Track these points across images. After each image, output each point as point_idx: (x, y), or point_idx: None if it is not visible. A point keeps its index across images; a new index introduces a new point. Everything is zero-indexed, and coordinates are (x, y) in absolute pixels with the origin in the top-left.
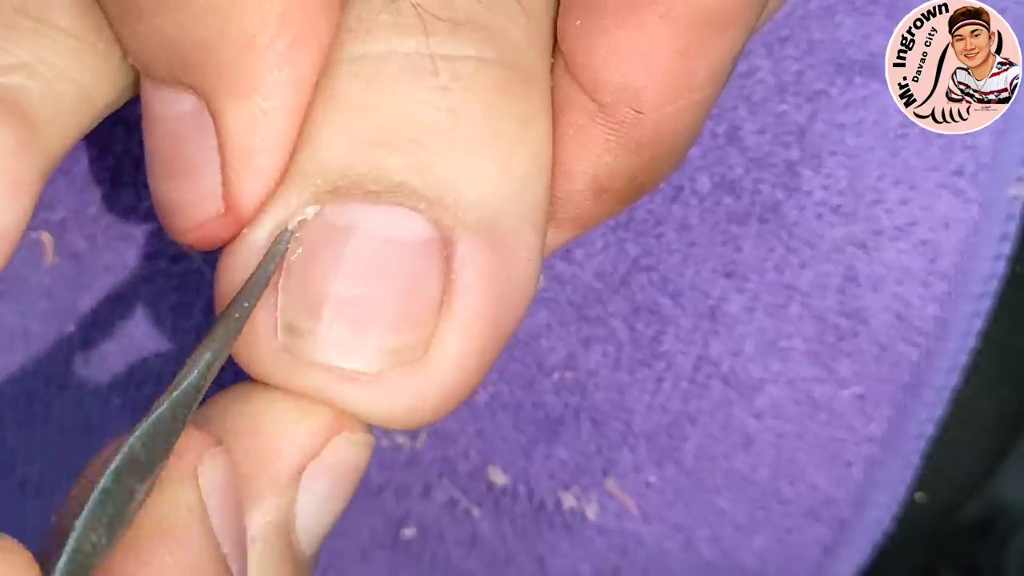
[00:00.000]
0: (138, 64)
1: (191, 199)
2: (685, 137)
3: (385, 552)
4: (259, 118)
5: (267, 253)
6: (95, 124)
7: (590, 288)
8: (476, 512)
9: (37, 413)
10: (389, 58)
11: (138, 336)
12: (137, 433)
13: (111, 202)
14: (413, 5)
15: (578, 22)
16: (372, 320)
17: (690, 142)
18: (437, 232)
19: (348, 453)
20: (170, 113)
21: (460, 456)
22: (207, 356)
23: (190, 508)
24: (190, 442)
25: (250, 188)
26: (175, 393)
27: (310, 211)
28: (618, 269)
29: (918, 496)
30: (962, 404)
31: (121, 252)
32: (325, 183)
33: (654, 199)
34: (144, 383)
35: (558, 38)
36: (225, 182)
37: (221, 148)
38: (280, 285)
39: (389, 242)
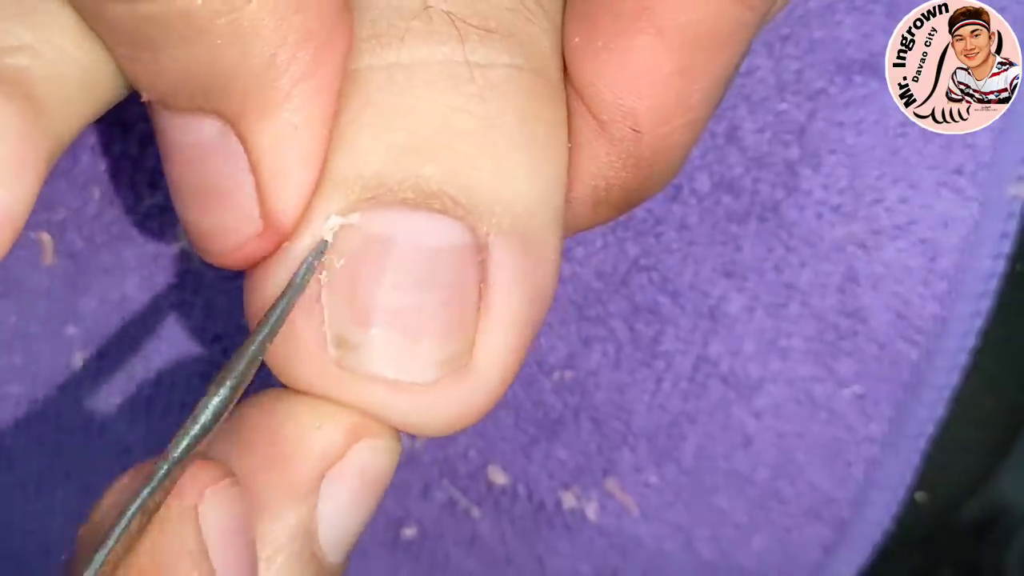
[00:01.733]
0: (152, 97)
1: (226, 223)
2: (682, 153)
3: (385, 551)
4: (289, 133)
5: (301, 264)
6: (101, 111)
7: (590, 287)
8: (476, 512)
9: (36, 413)
10: (423, 65)
11: (137, 336)
12: (168, 461)
13: (110, 202)
14: (446, 13)
15: (576, 39)
16: (424, 330)
17: (685, 157)
18: (473, 238)
19: (371, 459)
20: (192, 140)
21: (460, 456)
22: (240, 368)
23: (190, 552)
24: (193, 479)
25: (288, 203)
26: (205, 415)
27: (352, 218)
28: (618, 269)
29: (919, 496)
30: (963, 403)
31: (120, 252)
32: (364, 191)
33: (654, 198)
34: (143, 383)
35: (564, 53)
36: (262, 201)
37: (254, 168)
38: (325, 298)
39: (431, 250)
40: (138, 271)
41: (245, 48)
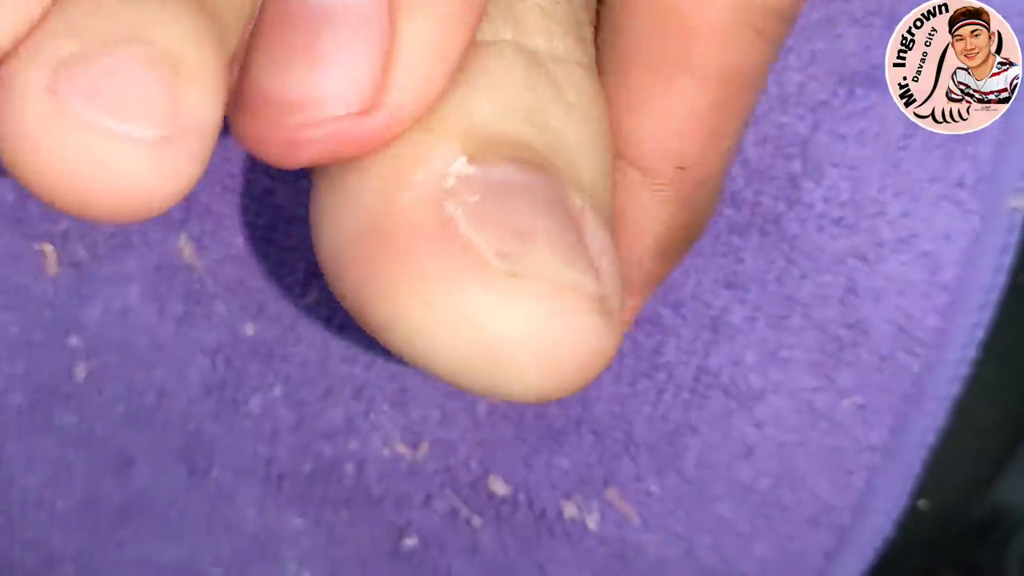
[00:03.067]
0: None
1: (326, 87)
2: (720, 181)
3: (385, 562)
4: (441, 20)
5: None
6: (249, 21)
7: None
8: (477, 521)
9: (38, 423)
10: (524, 47)
11: (140, 346)
12: None
13: None
14: (539, 7)
15: (611, 78)
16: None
17: (723, 183)
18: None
19: None
20: None
21: (461, 466)
22: None
23: None
24: None
25: (413, 86)
26: None
27: (466, 167)
28: None
29: (921, 503)
30: (964, 412)
31: (123, 262)
32: (479, 143)
33: None
34: (146, 393)
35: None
36: (387, 69)
37: (392, 30)
38: (470, 229)
39: (546, 198)
40: (141, 281)
41: None
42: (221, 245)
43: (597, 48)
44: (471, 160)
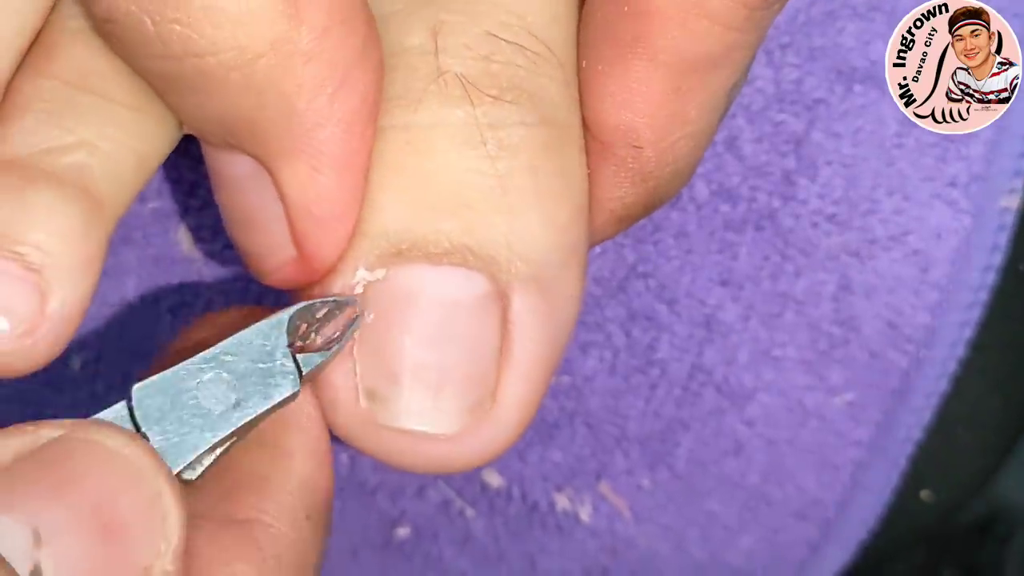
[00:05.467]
0: (193, 132)
1: (265, 247)
2: (687, 162)
3: (377, 552)
4: (312, 176)
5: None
6: (150, 178)
7: (588, 293)
8: (470, 512)
9: (33, 416)
10: (440, 127)
11: (137, 339)
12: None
13: None
14: (458, 77)
15: (583, 63)
16: (447, 383)
17: (694, 164)
18: (494, 287)
19: None
20: (232, 173)
21: None
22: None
23: None
24: None
25: (317, 237)
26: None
27: (379, 273)
28: (616, 275)
29: (924, 495)
30: (967, 403)
31: (121, 255)
32: (389, 246)
33: None
34: None
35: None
36: (292, 232)
37: (283, 204)
38: (356, 352)
39: (453, 304)
40: (138, 273)
41: (260, 99)
42: (219, 238)
43: (579, 29)
44: (382, 264)
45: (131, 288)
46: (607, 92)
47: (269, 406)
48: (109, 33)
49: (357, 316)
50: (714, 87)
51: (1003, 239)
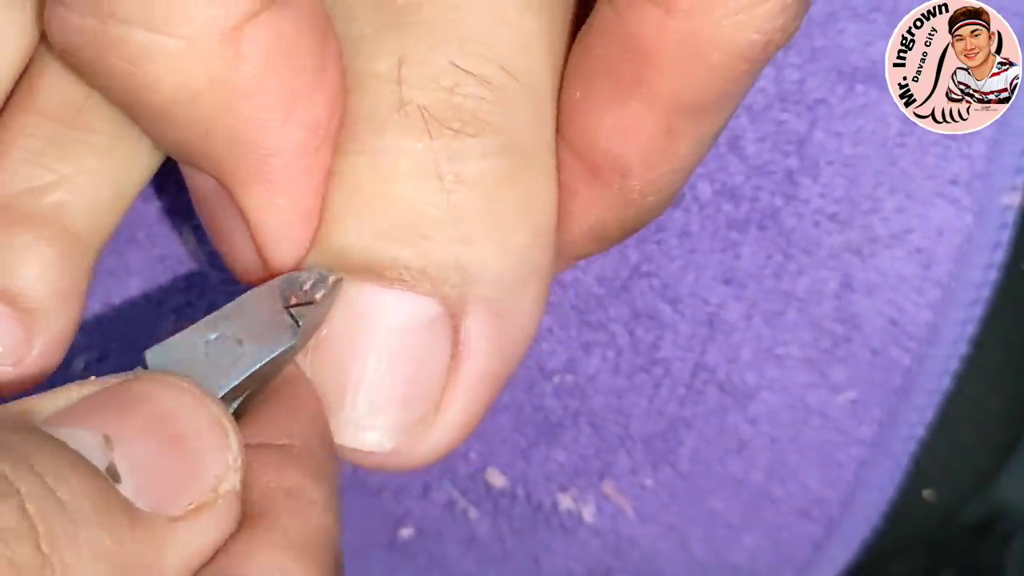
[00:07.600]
0: (162, 150)
1: (235, 253)
2: (670, 191)
3: (381, 552)
4: (266, 198)
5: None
6: (129, 206)
7: (591, 293)
8: (474, 512)
9: None
10: (401, 157)
11: (141, 339)
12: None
13: None
14: (420, 109)
15: (577, 94)
16: (389, 402)
17: (676, 192)
18: (444, 308)
19: None
20: (201, 187)
21: (460, 458)
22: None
23: None
24: None
25: (276, 250)
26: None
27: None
28: (619, 274)
29: (926, 493)
30: (969, 401)
31: (125, 255)
32: (345, 263)
33: None
34: None
35: (560, 103)
36: (256, 245)
37: (245, 222)
38: (310, 363)
39: (402, 328)
40: (142, 274)
41: (208, 130)
42: None
43: (572, 59)
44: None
45: (135, 288)
46: (602, 124)
47: (274, 355)
48: (70, 65)
49: (341, 278)
50: (704, 129)
51: (1005, 236)
